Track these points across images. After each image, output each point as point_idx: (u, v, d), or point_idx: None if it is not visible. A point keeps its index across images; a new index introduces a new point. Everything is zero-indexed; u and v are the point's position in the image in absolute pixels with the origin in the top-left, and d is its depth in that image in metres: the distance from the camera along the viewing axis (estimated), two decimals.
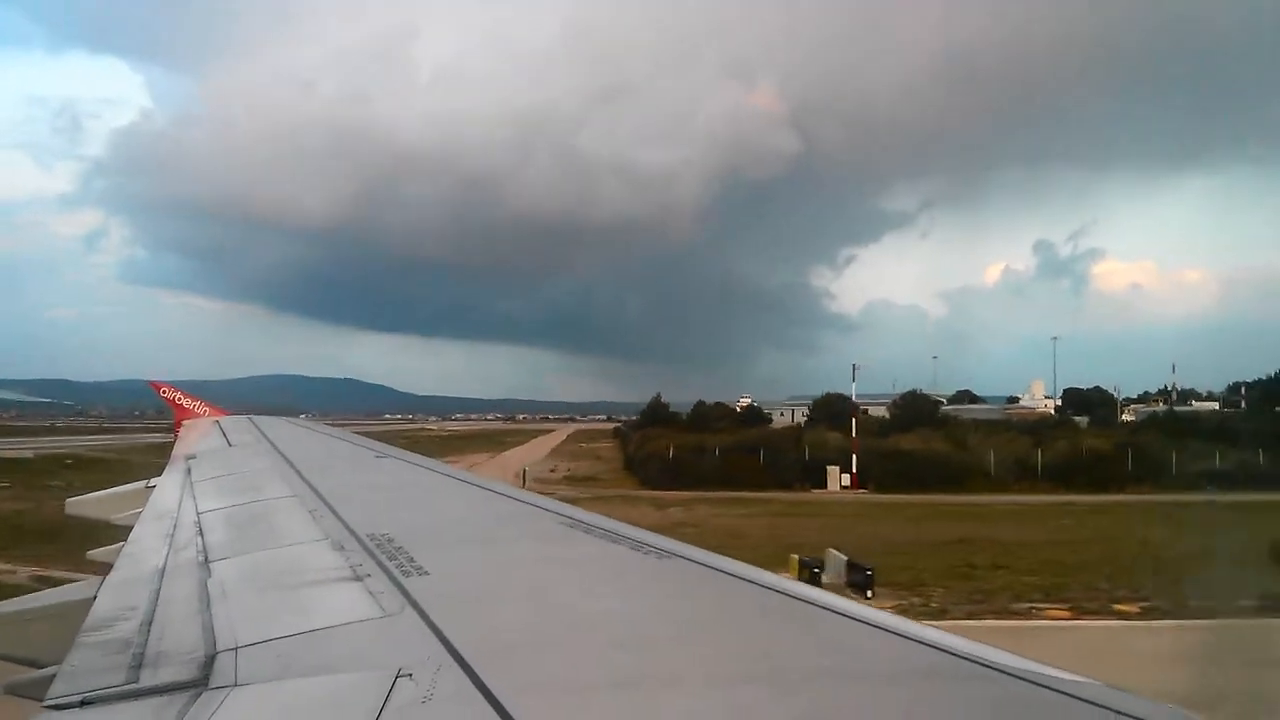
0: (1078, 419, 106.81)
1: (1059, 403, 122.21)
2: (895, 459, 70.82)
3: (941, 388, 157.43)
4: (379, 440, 15.54)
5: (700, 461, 72.06)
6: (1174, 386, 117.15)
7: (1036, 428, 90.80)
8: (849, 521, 47.08)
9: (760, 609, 3.53)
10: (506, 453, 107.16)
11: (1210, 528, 40.64)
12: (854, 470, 71.00)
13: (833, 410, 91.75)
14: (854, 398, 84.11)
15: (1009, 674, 2.65)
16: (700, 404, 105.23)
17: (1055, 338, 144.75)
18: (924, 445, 74.16)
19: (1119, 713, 2.36)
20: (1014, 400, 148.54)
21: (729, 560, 4.22)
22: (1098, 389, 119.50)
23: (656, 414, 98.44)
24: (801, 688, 2.55)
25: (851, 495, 67.86)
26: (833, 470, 71.24)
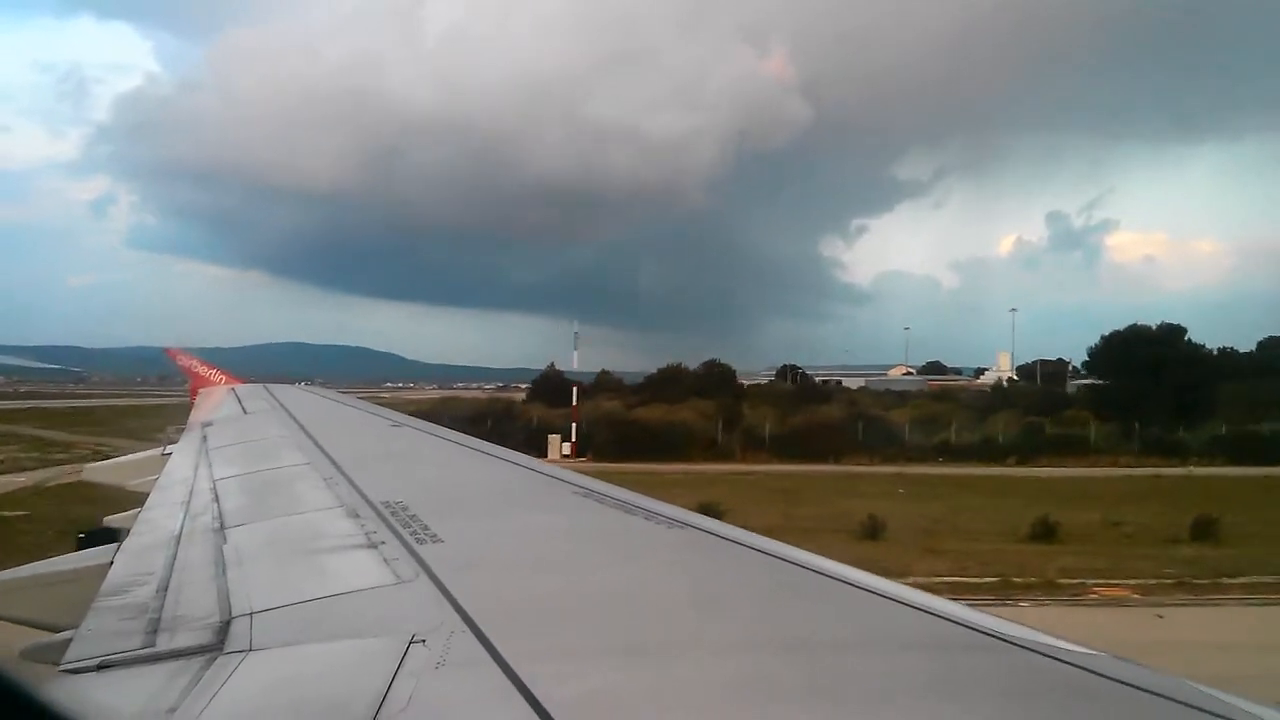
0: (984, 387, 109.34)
1: (1014, 376, 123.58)
2: (620, 428, 70.66)
3: (912, 359, 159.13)
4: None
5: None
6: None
7: (935, 398, 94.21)
8: None
9: (770, 579, 3.54)
10: None
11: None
12: (574, 439, 70.67)
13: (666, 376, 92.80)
14: (575, 366, 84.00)
15: (1017, 645, 2.65)
16: (604, 373, 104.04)
17: (1014, 310, 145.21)
18: (668, 415, 73.70)
19: (1126, 684, 2.36)
20: (982, 372, 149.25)
21: (741, 530, 4.23)
22: (1059, 360, 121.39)
23: (548, 382, 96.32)
24: (811, 656, 2.56)
25: (557, 465, 66.45)
26: (554, 439, 70.59)
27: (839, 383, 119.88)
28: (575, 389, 79.28)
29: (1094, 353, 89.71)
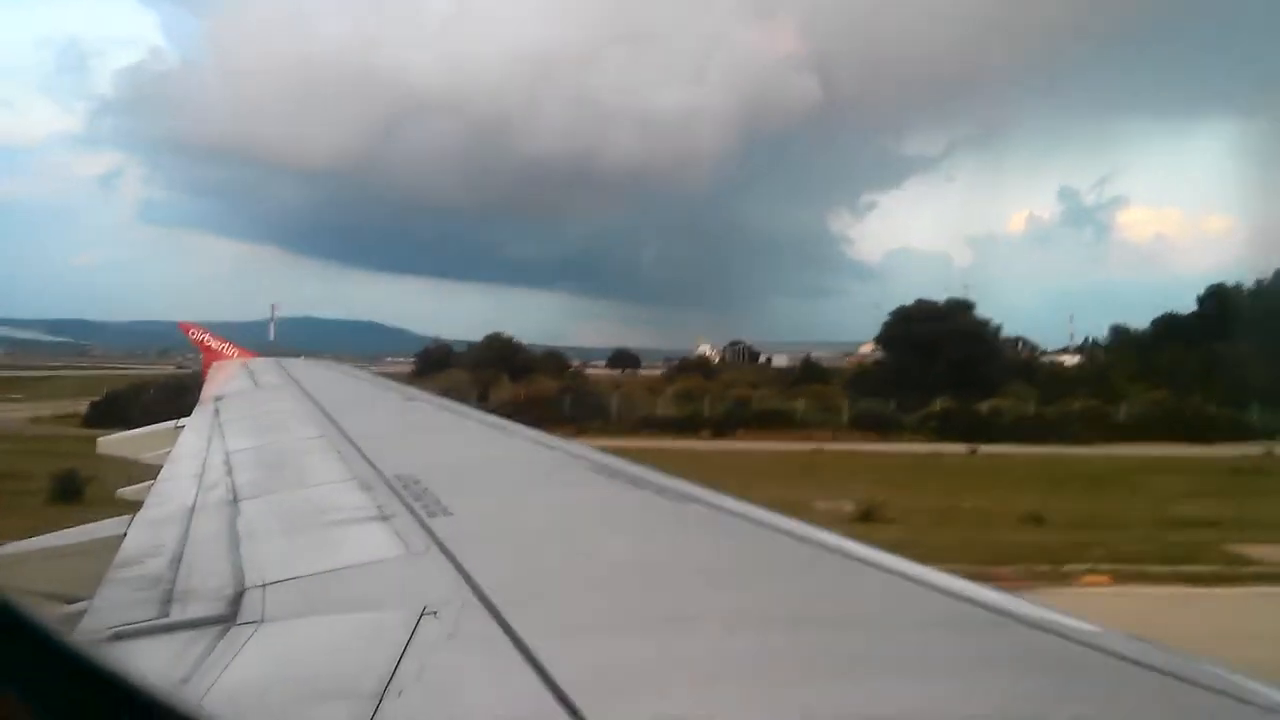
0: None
1: None
2: None
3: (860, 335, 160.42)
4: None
5: (139, 399, 68.05)
6: (1072, 336, 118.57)
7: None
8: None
9: (783, 555, 3.54)
10: None
11: None
12: None
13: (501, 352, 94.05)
14: (271, 338, 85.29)
15: (1027, 622, 2.65)
16: (494, 335, 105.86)
17: (967, 286, 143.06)
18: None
19: (1135, 661, 2.35)
20: None
21: (752, 506, 4.23)
22: (1020, 339, 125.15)
23: (431, 357, 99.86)
24: (822, 631, 2.56)
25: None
26: None
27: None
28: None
29: (885, 327, 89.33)
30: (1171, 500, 35.79)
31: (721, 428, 66.51)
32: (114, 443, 10.53)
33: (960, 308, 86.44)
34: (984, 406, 69.62)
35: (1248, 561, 25.15)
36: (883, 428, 67.36)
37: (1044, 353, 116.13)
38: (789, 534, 3.73)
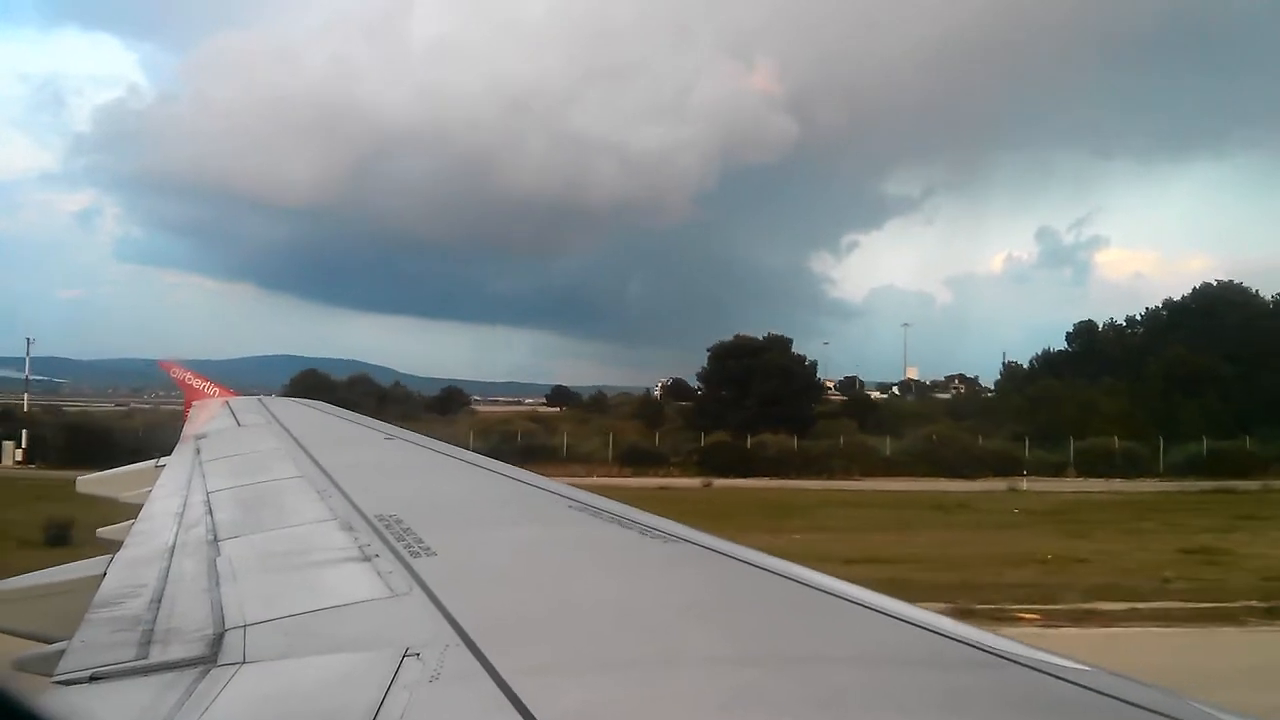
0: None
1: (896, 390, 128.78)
2: (77, 432, 72.03)
3: (830, 373, 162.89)
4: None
5: None
6: (1000, 373, 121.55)
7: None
8: None
9: (766, 594, 3.53)
10: None
11: None
12: (24, 444, 70.83)
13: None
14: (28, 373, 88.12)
15: (1013, 661, 2.65)
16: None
17: (906, 324, 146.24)
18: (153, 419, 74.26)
19: (1122, 700, 2.36)
20: (888, 387, 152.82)
21: (737, 545, 4.23)
22: (959, 376, 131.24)
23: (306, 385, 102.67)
24: (805, 672, 2.56)
25: None
26: (8, 445, 70.80)
27: None
28: (26, 396, 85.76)
29: (707, 363, 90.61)
30: (790, 531, 36.30)
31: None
32: (94, 482, 10.42)
33: (776, 344, 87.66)
34: (750, 442, 71.45)
35: None
36: (647, 462, 68.98)
37: (989, 390, 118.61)
38: (774, 573, 3.73)
